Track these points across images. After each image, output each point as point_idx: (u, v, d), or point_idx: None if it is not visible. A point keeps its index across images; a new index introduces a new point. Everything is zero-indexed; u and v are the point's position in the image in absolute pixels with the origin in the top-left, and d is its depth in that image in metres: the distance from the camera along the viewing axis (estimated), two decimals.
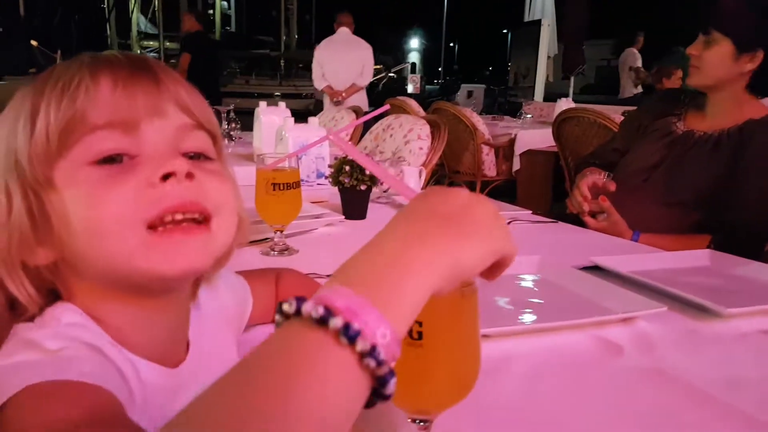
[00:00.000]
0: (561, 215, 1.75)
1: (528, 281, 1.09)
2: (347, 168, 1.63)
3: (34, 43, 12.78)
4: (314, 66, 5.47)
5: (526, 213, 1.68)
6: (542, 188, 4.26)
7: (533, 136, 4.44)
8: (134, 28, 29.70)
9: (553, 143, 3.79)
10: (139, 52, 29.34)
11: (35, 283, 0.50)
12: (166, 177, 0.48)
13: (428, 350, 0.45)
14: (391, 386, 0.35)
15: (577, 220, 1.66)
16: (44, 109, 0.48)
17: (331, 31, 5.62)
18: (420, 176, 1.97)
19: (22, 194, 0.49)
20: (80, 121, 0.48)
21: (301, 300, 0.34)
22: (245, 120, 3.22)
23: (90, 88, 0.49)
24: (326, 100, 5.56)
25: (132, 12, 29.25)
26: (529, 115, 5.06)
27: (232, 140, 3.08)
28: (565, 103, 4.72)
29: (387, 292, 0.36)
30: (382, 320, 0.35)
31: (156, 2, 27.95)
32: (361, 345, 0.33)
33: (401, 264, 0.37)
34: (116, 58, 0.52)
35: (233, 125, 3.28)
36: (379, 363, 0.34)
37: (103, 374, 0.44)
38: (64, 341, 0.46)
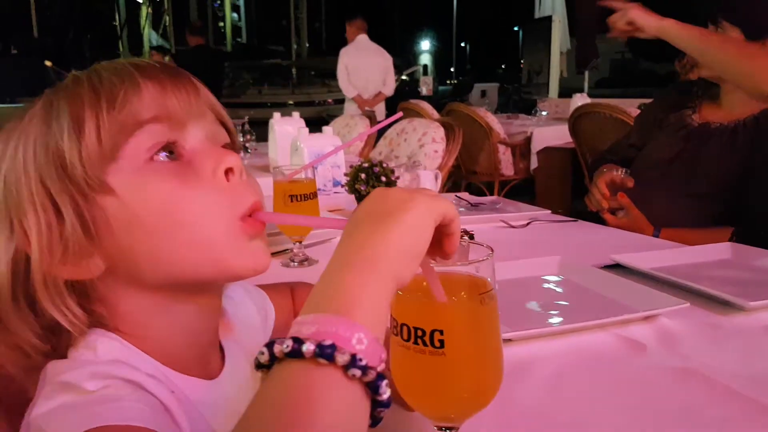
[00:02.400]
0: (581, 213, 1.74)
1: (550, 282, 1.09)
2: (363, 175, 1.65)
3: (48, 63, 13.00)
4: (340, 74, 5.47)
5: (546, 213, 1.68)
6: (561, 185, 4.23)
7: (550, 133, 4.41)
8: (146, 44, 30.06)
9: (570, 140, 3.77)
10: None
11: (79, 303, 0.48)
12: (226, 172, 0.50)
13: (450, 358, 0.45)
14: (384, 390, 0.35)
15: (597, 218, 1.66)
16: (91, 113, 0.47)
17: (342, 38, 5.64)
18: (436, 180, 1.98)
19: (71, 203, 0.47)
20: (131, 121, 0.48)
21: (270, 344, 0.36)
22: (259, 131, 3.25)
23: (138, 91, 0.49)
24: (347, 107, 5.57)
25: (143, 28, 29.68)
26: (544, 112, 5.03)
27: (248, 152, 3.11)
28: (580, 99, 4.68)
29: (345, 300, 0.37)
30: (352, 326, 0.35)
31: (166, 17, 28.36)
32: (340, 359, 0.34)
33: (349, 272, 0.39)
34: (155, 65, 0.52)
35: (248, 137, 3.31)
36: (364, 370, 0.34)
37: (146, 413, 0.43)
38: (103, 380, 0.44)
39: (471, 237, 1.22)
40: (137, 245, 0.48)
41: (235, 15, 35.84)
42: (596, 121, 3.42)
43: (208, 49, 6.17)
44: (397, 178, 1.71)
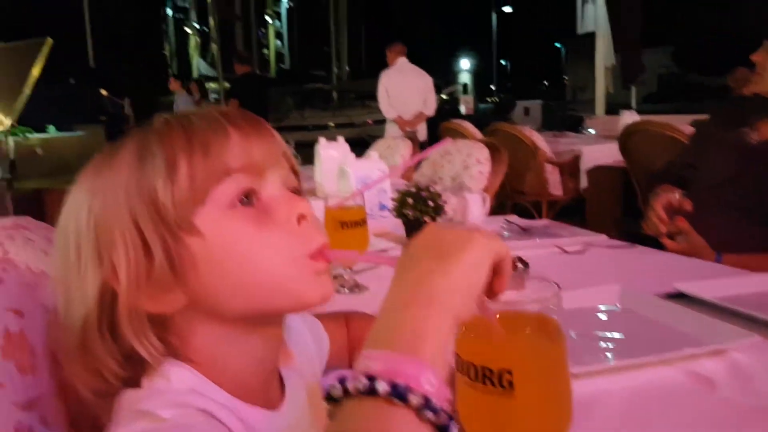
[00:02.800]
0: (636, 235, 1.69)
1: (608, 313, 1.06)
2: (410, 200, 1.64)
3: (103, 91, 13.59)
4: (381, 96, 5.54)
5: (601, 238, 1.63)
6: (613, 206, 4.11)
7: (599, 151, 4.32)
8: (195, 72, 31.14)
9: (621, 158, 3.68)
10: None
11: (157, 334, 0.51)
12: (298, 218, 0.54)
13: (520, 398, 0.45)
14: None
15: (654, 242, 1.61)
16: (184, 158, 0.50)
17: (382, 61, 5.71)
18: (484, 203, 1.96)
19: (161, 241, 0.50)
20: (220, 167, 0.51)
21: (343, 379, 0.37)
22: (303, 153, 3.29)
23: (226, 139, 0.53)
24: (388, 128, 5.61)
25: (192, 56, 30.71)
26: (592, 130, 4.93)
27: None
28: (629, 116, 4.58)
29: (411, 337, 0.39)
30: (421, 366, 0.37)
31: (213, 46, 29.27)
32: (414, 400, 0.35)
33: (412, 308, 0.41)
34: (238, 113, 0.56)
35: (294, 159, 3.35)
36: (436, 412, 0.35)
37: None
38: (177, 409, 0.47)
39: (525, 265, 1.20)
40: (217, 282, 0.51)
41: (278, 42, 36.81)
42: (648, 140, 3.33)
43: (255, 76, 6.34)
44: (445, 202, 1.70)
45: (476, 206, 1.92)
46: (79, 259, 0.50)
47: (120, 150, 0.53)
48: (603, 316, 1.04)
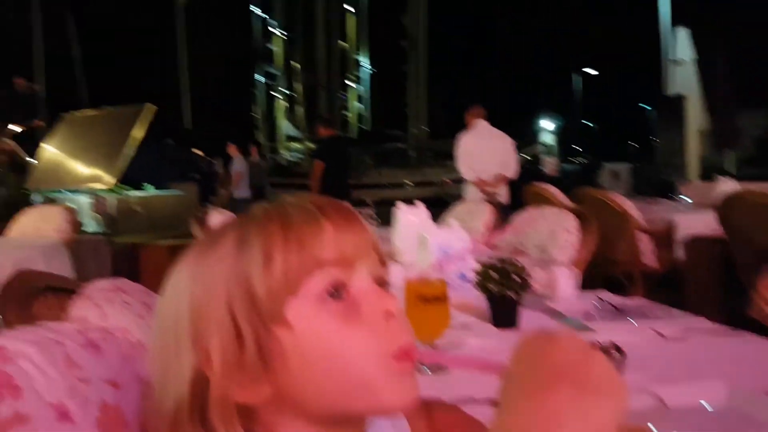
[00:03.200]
0: (740, 317, 1.55)
1: (715, 414, 0.95)
2: (494, 274, 1.58)
3: (197, 152, 14.46)
4: (460, 158, 5.55)
5: (702, 321, 1.50)
6: (712, 281, 3.81)
7: (695, 221, 4.06)
8: (281, 133, 32.73)
9: (719, 228, 3.44)
10: (285, 153, 32.18)
11: (242, 424, 0.51)
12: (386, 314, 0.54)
13: None
14: None
15: (762, 328, 1.46)
16: (280, 250, 0.52)
17: (460, 121, 5.73)
18: (573, 278, 1.87)
19: (253, 331, 0.51)
20: (313, 259, 0.52)
21: None
22: (379, 211, 3.31)
23: (320, 232, 0.54)
24: (468, 190, 5.57)
25: (279, 119, 32.36)
26: (687, 199, 4.67)
27: None
28: (727, 184, 4.31)
29: None
30: None
31: (299, 109, 30.75)
32: None
33: None
34: (330, 205, 0.57)
35: (371, 222, 3.38)
36: None
37: None
38: None
39: (622, 353, 1.11)
40: (302, 376, 0.52)
41: (359, 104, 38.15)
42: (751, 211, 3.11)
43: (339, 139, 6.56)
44: (531, 277, 1.63)
45: (565, 281, 1.83)
46: (176, 343, 0.52)
47: (221, 238, 0.55)
48: (712, 415, 0.94)
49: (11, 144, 5.75)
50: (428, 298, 1.24)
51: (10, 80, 6.45)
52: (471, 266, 1.88)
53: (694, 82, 7.28)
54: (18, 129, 5.87)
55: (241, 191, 8.91)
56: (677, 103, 7.21)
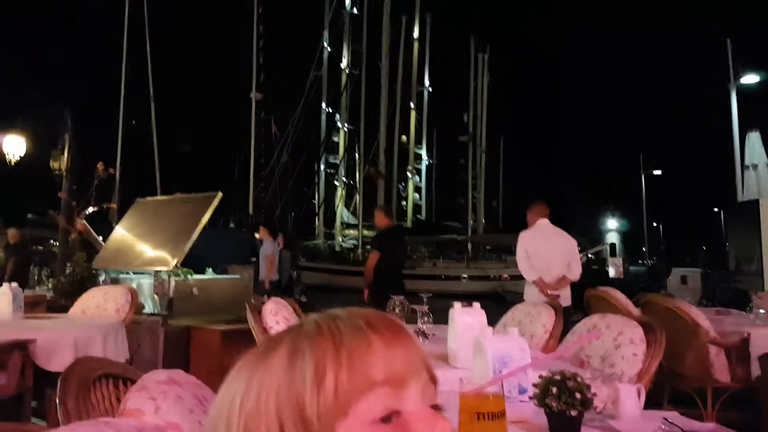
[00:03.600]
0: None
1: None
2: (554, 389, 1.50)
3: (257, 235, 14.87)
4: (520, 257, 5.39)
5: None
6: None
7: None
8: (338, 220, 33.48)
9: None
10: (341, 239, 32.73)
11: None
12: None
13: None
14: None
15: None
16: (332, 368, 0.52)
17: (519, 215, 5.65)
18: (639, 396, 1.74)
19: None
20: (365, 380, 0.52)
21: None
22: (433, 304, 3.23)
23: (372, 350, 0.54)
24: (528, 291, 5.39)
25: (337, 206, 33.24)
26: (762, 310, 4.39)
27: (426, 338, 3.07)
28: None
29: None
30: None
31: (357, 197, 31.54)
32: None
33: None
34: (381, 321, 0.57)
35: (426, 319, 3.29)
36: None
37: None
38: None
39: None
40: None
41: (416, 195, 38.81)
42: None
43: (396, 230, 6.56)
44: (594, 394, 1.53)
45: (630, 400, 1.71)
46: None
47: (275, 349, 0.55)
48: None
49: (84, 224, 6.07)
50: (484, 414, 1.17)
51: (91, 163, 6.88)
52: (530, 379, 1.78)
53: None
54: (91, 210, 6.21)
55: (272, 275, 9.00)
56: (751, 208, 6.94)
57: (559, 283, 5.16)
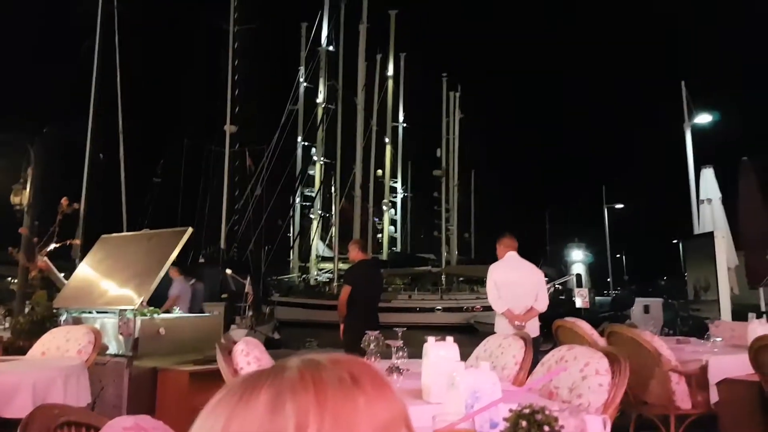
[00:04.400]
0: None
1: None
2: (524, 423, 1.53)
3: (228, 271, 14.68)
4: (490, 290, 5.46)
5: None
6: (750, 424, 3.60)
7: (728, 363, 3.90)
8: (314, 253, 33.27)
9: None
10: (316, 273, 32.47)
11: None
12: None
13: None
14: None
15: None
16: (314, 425, 0.50)
17: (491, 247, 5.72)
18: (604, 427, 1.77)
19: None
20: None
21: None
22: (408, 338, 3.23)
23: (354, 405, 0.53)
24: (498, 322, 5.44)
25: (312, 239, 33.08)
26: (718, 338, 4.51)
27: (401, 374, 3.06)
28: (759, 325, 4.16)
29: None
30: None
31: (333, 229, 31.51)
32: None
33: None
34: (365, 375, 0.56)
35: (400, 354, 3.28)
36: None
37: None
38: None
39: None
40: None
41: (392, 228, 38.98)
42: None
43: (370, 263, 6.53)
44: (562, 426, 1.56)
45: (596, 431, 1.74)
46: None
47: (256, 394, 0.53)
48: None
49: (45, 261, 5.90)
50: None
51: (55, 198, 6.73)
52: (501, 413, 1.80)
53: (724, 222, 7.29)
54: (54, 246, 6.04)
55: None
56: (706, 240, 7.17)
57: (527, 314, 5.23)
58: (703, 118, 11.23)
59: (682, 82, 11.26)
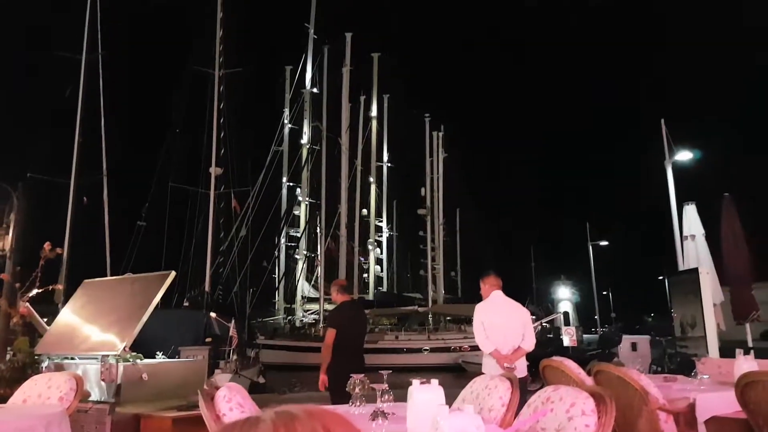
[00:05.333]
0: None
1: None
2: None
3: (212, 314, 14.47)
4: (477, 330, 5.42)
5: None
6: None
7: (715, 400, 3.90)
8: (299, 294, 32.96)
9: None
10: (302, 314, 32.10)
11: None
12: None
13: None
14: None
15: None
16: None
17: (476, 286, 5.70)
18: None
19: None
20: None
21: None
22: (396, 379, 3.21)
23: None
24: (485, 362, 5.40)
25: (298, 280, 32.80)
26: (706, 376, 4.52)
27: (386, 418, 3.03)
28: (745, 362, 4.19)
29: None
30: None
31: (319, 270, 31.31)
32: None
33: None
34: (341, 427, 0.57)
35: (386, 397, 3.26)
36: None
37: None
38: None
39: None
40: None
41: (378, 267, 38.85)
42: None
43: (354, 304, 6.47)
44: None
45: None
46: None
47: None
48: None
49: (27, 307, 5.82)
50: None
51: (38, 243, 6.67)
52: None
53: (708, 257, 7.37)
54: (36, 292, 5.97)
55: None
56: (691, 276, 7.24)
57: (515, 354, 5.20)
58: (684, 156, 11.48)
59: (662, 120, 11.52)
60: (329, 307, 26.48)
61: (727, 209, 8.24)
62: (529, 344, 5.30)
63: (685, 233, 8.46)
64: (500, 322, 5.33)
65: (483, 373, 4.68)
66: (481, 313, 5.44)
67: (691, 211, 8.79)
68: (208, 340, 11.78)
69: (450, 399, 2.66)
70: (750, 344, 7.02)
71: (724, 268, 7.50)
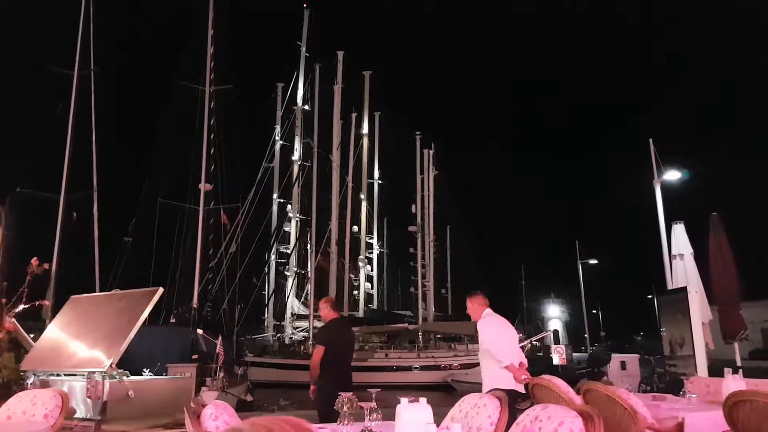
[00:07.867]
0: None
1: None
2: None
3: (199, 331, 14.33)
4: (496, 340, 5.23)
5: None
6: None
7: (703, 420, 3.91)
8: (288, 311, 32.75)
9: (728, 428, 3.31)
10: (291, 331, 31.84)
11: None
12: None
13: None
14: None
15: None
16: None
17: (464, 303, 5.66)
18: None
19: None
20: None
21: None
22: (385, 397, 3.20)
23: None
24: (491, 374, 5.32)
25: (288, 297, 32.62)
26: (694, 395, 4.53)
27: None
28: (733, 381, 4.21)
29: None
30: None
31: (309, 287, 31.15)
32: None
33: None
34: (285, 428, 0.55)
35: (374, 416, 3.24)
36: None
37: None
38: None
39: None
40: None
41: (368, 284, 38.74)
42: (756, 411, 3.01)
43: (342, 322, 6.44)
44: None
45: None
46: None
47: None
48: None
49: (13, 323, 5.75)
50: None
51: (26, 258, 6.61)
52: None
53: (696, 276, 7.41)
54: (23, 307, 5.91)
55: None
56: (680, 295, 7.27)
57: (522, 369, 5.13)
58: (672, 175, 11.59)
59: (650, 140, 11.63)
60: (318, 324, 26.36)
61: (715, 228, 8.31)
62: (522, 359, 5.31)
63: (673, 252, 8.52)
64: (508, 337, 5.31)
65: (478, 391, 4.63)
66: (494, 327, 5.28)
67: (679, 230, 8.85)
68: (195, 357, 11.67)
69: (439, 417, 2.65)
70: (738, 363, 7.05)
71: (713, 287, 7.55)
